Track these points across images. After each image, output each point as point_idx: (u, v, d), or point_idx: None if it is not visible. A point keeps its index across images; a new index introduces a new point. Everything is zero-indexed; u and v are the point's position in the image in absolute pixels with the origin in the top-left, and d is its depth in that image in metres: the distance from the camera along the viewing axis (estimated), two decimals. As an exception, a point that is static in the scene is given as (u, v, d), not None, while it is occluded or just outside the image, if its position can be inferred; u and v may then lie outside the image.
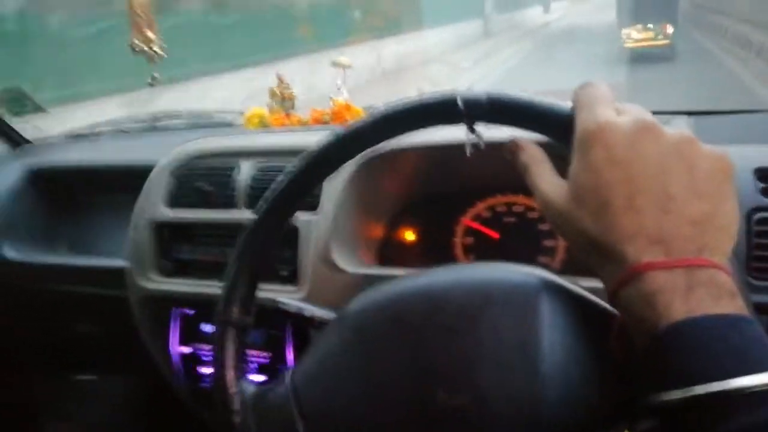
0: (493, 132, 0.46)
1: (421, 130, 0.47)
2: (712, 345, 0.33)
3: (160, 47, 1.26)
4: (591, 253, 0.39)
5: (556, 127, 0.42)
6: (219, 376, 0.51)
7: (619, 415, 0.41)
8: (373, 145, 0.49)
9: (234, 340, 0.51)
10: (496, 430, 0.41)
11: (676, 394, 0.33)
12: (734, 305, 0.35)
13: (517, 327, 0.42)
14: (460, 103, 0.44)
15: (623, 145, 0.37)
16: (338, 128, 0.49)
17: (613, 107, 0.40)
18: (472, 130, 0.45)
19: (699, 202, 0.36)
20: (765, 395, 0.31)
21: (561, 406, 0.40)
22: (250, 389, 0.51)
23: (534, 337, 0.41)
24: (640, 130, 0.38)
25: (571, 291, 0.45)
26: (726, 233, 0.37)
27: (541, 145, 0.45)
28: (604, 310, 0.43)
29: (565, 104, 0.43)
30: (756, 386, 0.32)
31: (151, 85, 1.29)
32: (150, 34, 1.21)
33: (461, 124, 0.45)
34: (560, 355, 0.41)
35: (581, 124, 0.40)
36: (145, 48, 1.22)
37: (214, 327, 0.52)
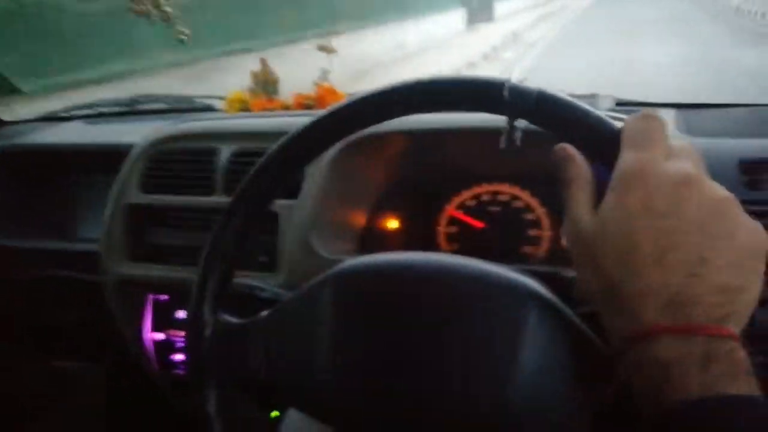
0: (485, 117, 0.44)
1: (454, 112, 0.46)
2: (727, 429, 0.32)
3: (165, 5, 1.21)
4: (604, 297, 0.37)
5: (603, 149, 0.40)
6: (196, 303, 0.50)
7: None
8: (404, 115, 0.46)
9: (218, 272, 0.50)
10: (449, 423, 0.41)
11: None
12: (749, 386, 0.33)
13: (498, 331, 0.41)
14: (506, 93, 0.42)
15: (664, 196, 0.35)
16: (375, 91, 0.46)
17: (664, 147, 0.38)
18: (512, 125, 0.43)
19: (731, 273, 0.34)
20: None
21: (521, 418, 0.40)
22: (225, 322, 0.51)
23: (512, 344, 0.40)
24: (685, 184, 0.35)
25: (564, 314, 0.43)
26: (748, 308, 0.35)
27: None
28: (594, 344, 0.42)
29: (615, 124, 0.40)
30: None
31: (181, 41, 1.23)
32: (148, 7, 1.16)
33: (501, 114, 0.43)
34: (533, 368, 0.40)
35: (625, 161, 0.37)
36: (151, 8, 1.17)
37: (203, 253, 0.51)
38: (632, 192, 0.36)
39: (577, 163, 0.42)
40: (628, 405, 0.37)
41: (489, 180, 0.86)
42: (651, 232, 0.35)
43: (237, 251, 0.51)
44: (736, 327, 0.34)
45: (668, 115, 0.90)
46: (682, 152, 0.38)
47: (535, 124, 0.42)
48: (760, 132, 0.82)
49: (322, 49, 1.26)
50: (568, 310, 0.43)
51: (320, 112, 0.47)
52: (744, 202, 0.67)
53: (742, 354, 0.34)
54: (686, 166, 0.37)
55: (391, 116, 0.47)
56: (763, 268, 0.36)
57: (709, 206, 0.35)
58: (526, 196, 0.84)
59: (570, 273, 0.68)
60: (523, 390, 0.40)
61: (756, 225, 0.36)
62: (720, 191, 0.36)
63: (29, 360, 1.28)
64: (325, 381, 0.45)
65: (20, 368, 1.28)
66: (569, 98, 0.42)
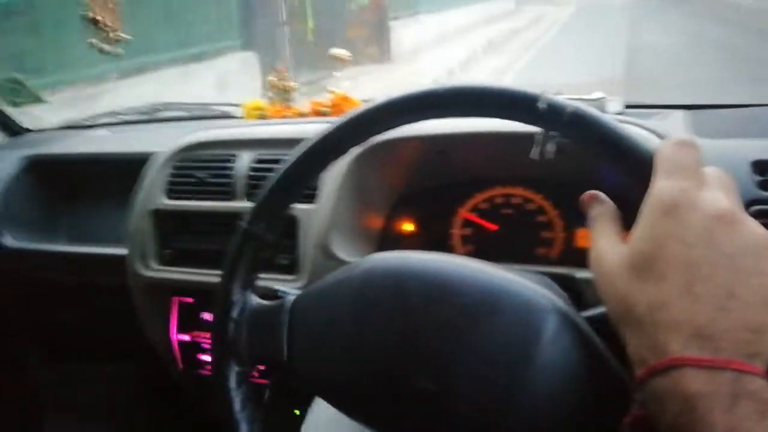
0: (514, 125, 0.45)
1: (488, 119, 0.46)
2: None
3: (113, 21, 1.22)
4: (629, 325, 0.36)
5: (633, 168, 0.40)
6: (226, 279, 0.52)
7: None
8: (439, 117, 0.47)
9: (250, 251, 0.52)
10: (457, 427, 0.42)
11: None
12: None
13: (514, 342, 0.42)
14: (542, 105, 0.43)
15: (698, 227, 0.35)
16: (407, 93, 0.47)
17: (698, 176, 0.37)
18: (545, 137, 0.44)
19: (762, 311, 0.33)
20: None
21: (527, 429, 0.40)
22: (252, 302, 0.52)
23: (526, 357, 0.41)
24: (720, 217, 0.35)
25: (583, 330, 0.43)
26: None
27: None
28: (610, 363, 0.42)
29: (649, 146, 0.41)
30: None
31: (99, 50, 1.23)
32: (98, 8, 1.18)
33: (535, 125, 0.44)
34: (545, 383, 0.40)
35: (660, 189, 0.37)
36: (98, 17, 1.18)
37: (236, 234, 0.52)
38: (664, 222, 0.35)
39: (603, 201, 0.43)
40: None
41: (502, 183, 0.88)
42: (681, 262, 0.34)
43: (269, 234, 0.52)
44: (763, 365, 0.33)
45: (678, 117, 0.91)
46: (716, 182, 0.37)
47: (567, 138, 0.43)
48: None
49: (335, 57, 1.28)
50: (587, 327, 0.44)
51: (369, 104, 0.48)
52: (757, 202, 0.70)
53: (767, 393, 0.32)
54: (721, 198, 0.36)
55: (425, 118, 0.48)
56: None
57: (741, 241, 0.34)
58: (538, 199, 0.86)
59: (582, 274, 0.70)
60: (533, 402, 0.40)
61: None
62: (755, 228, 0.35)
63: (52, 362, 1.31)
64: (342, 370, 0.46)
65: (43, 370, 1.32)
66: (604, 116, 0.42)
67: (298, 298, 0.51)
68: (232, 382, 0.51)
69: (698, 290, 0.34)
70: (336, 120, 0.50)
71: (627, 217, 0.40)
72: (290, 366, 0.50)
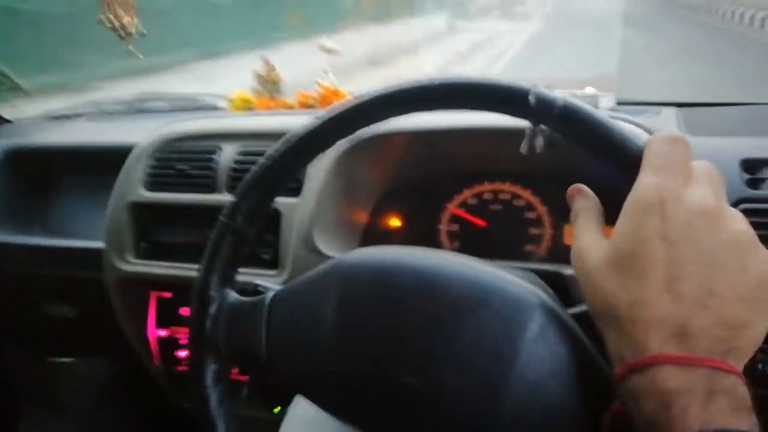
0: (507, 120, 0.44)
1: (474, 112, 0.46)
2: None
3: (135, 26, 1.22)
4: (609, 322, 0.36)
5: (621, 162, 0.40)
6: (204, 275, 0.51)
7: None
8: (430, 110, 0.47)
9: (229, 246, 0.51)
10: (443, 422, 0.41)
11: None
12: (750, 421, 0.32)
13: (500, 336, 0.41)
14: (532, 99, 0.42)
15: (680, 224, 0.35)
16: (400, 85, 0.46)
17: (685, 172, 0.37)
18: (534, 130, 0.43)
19: (740, 307, 0.34)
20: None
21: (513, 425, 0.40)
22: (230, 298, 0.51)
23: (511, 351, 0.40)
24: (702, 213, 0.35)
25: (568, 325, 0.43)
26: (753, 345, 0.35)
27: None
28: (596, 360, 0.42)
29: (638, 141, 0.41)
30: None
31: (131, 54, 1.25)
32: (120, 11, 1.17)
33: (525, 119, 0.43)
34: (531, 378, 0.40)
35: (643, 185, 0.37)
36: (116, 24, 1.18)
37: (215, 229, 0.51)
38: (647, 218, 0.35)
39: (586, 195, 0.43)
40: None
41: (490, 179, 0.86)
42: (662, 259, 0.34)
43: (249, 228, 0.51)
44: (739, 362, 0.34)
45: (670, 114, 0.90)
46: (704, 177, 0.37)
47: (557, 132, 0.42)
48: (761, 130, 0.82)
49: (324, 49, 1.26)
50: (573, 323, 0.43)
51: (365, 93, 0.47)
52: (745, 200, 0.69)
53: (744, 389, 0.33)
54: (706, 194, 0.36)
55: (416, 111, 0.47)
56: None
57: (724, 238, 0.35)
58: (527, 195, 0.84)
59: (570, 271, 0.69)
60: (517, 397, 0.40)
61: None
62: (738, 224, 0.35)
63: (29, 356, 1.29)
64: (322, 367, 0.45)
65: (20, 364, 1.29)
66: (594, 110, 0.42)
67: (278, 294, 0.50)
68: (209, 379, 0.50)
69: (679, 288, 0.34)
70: (321, 113, 0.48)
71: (613, 213, 0.39)
72: (269, 363, 0.49)
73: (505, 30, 10.86)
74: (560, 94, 0.43)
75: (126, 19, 1.19)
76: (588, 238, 0.40)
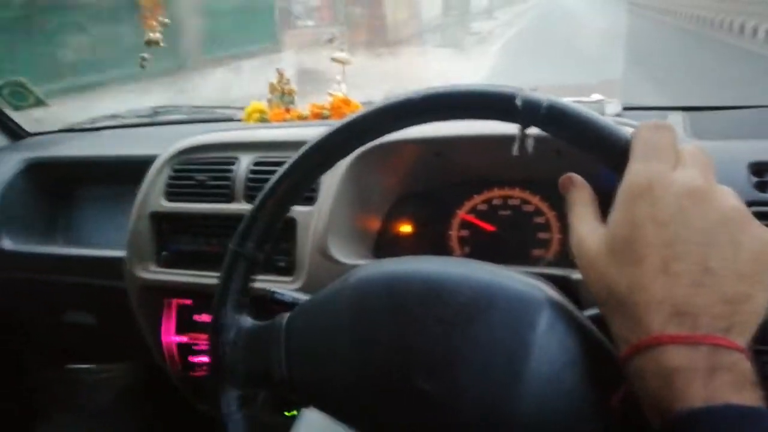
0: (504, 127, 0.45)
1: (465, 120, 0.46)
2: None
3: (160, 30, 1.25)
4: (611, 307, 0.37)
5: (613, 158, 0.40)
6: (218, 305, 0.52)
7: None
8: (419, 123, 0.48)
9: (241, 273, 0.52)
10: (463, 426, 0.42)
11: None
12: (754, 397, 0.33)
13: (510, 335, 0.42)
14: (519, 102, 0.43)
15: (671, 206, 0.35)
16: (388, 101, 0.47)
17: (672, 156, 0.38)
18: (524, 133, 0.44)
19: (737, 282, 0.34)
20: None
21: (533, 422, 0.40)
22: (246, 324, 0.52)
23: (524, 348, 0.41)
24: (692, 194, 0.36)
25: (576, 317, 0.44)
26: (755, 318, 0.35)
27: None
28: (606, 349, 0.43)
29: (625, 133, 0.41)
30: None
31: (142, 67, 1.27)
32: (154, 23, 1.20)
33: (514, 122, 0.44)
34: (545, 373, 0.41)
35: (632, 172, 0.38)
36: (152, 36, 1.21)
37: (227, 257, 0.52)
38: (638, 204, 0.36)
39: (580, 185, 0.43)
40: (634, 414, 0.37)
41: (500, 185, 0.88)
42: (657, 243, 0.35)
43: (259, 253, 0.52)
44: (741, 337, 0.34)
45: (677, 118, 0.91)
46: (692, 160, 0.38)
47: (546, 132, 0.43)
48: None
49: (336, 60, 1.28)
50: (580, 314, 0.44)
51: (338, 123, 0.49)
52: (754, 204, 0.70)
53: (747, 365, 0.33)
54: (694, 175, 0.36)
55: (406, 125, 0.48)
56: None
57: (715, 216, 0.35)
58: (535, 201, 0.86)
59: (578, 275, 0.70)
60: (534, 394, 0.40)
61: (766, 233, 0.36)
62: (728, 201, 0.36)
63: (49, 363, 1.31)
64: (342, 382, 0.46)
65: (40, 371, 1.32)
66: (580, 107, 0.43)
67: (292, 315, 0.51)
68: (232, 406, 0.51)
69: (675, 269, 0.34)
70: (307, 144, 0.50)
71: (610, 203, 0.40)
72: (290, 384, 0.49)
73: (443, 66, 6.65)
74: (545, 95, 0.43)
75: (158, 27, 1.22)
76: (586, 227, 0.40)
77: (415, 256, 0.51)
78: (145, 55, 1.26)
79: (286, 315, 0.51)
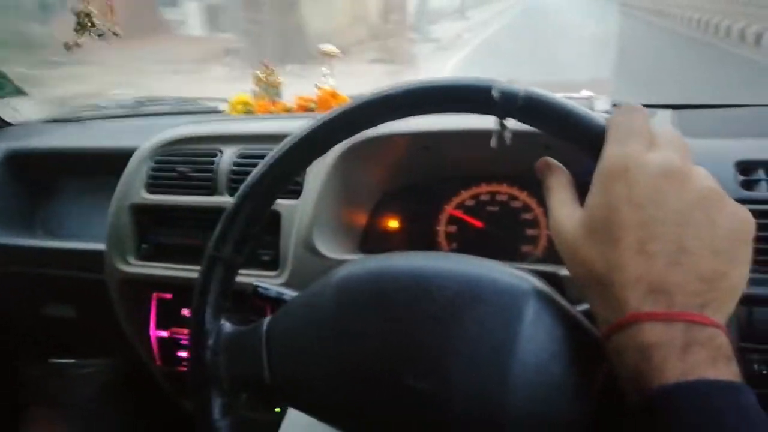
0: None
1: (443, 114, 0.46)
2: (705, 415, 0.32)
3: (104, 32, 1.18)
4: (591, 287, 0.38)
5: (590, 144, 0.41)
6: (197, 311, 0.51)
7: None
8: (397, 118, 0.47)
9: (219, 278, 0.51)
10: (454, 420, 0.41)
11: None
12: (730, 371, 0.33)
13: (497, 326, 0.42)
14: (495, 93, 0.43)
15: (646, 187, 0.36)
16: (366, 97, 0.47)
17: (647, 138, 0.38)
18: (502, 124, 0.44)
19: (713, 260, 0.35)
20: None
21: (524, 412, 0.40)
22: (227, 328, 0.51)
23: (511, 339, 0.41)
24: (667, 175, 0.36)
25: (562, 307, 0.44)
26: (732, 295, 0.36)
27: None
28: (592, 335, 0.43)
29: (601, 119, 0.41)
30: None
31: (67, 48, 1.19)
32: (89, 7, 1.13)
33: (491, 115, 0.44)
34: (533, 363, 0.41)
35: (608, 156, 0.38)
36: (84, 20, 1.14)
37: (203, 261, 0.51)
38: (615, 185, 0.37)
39: (556, 169, 0.44)
40: (613, 391, 0.38)
41: (487, 180, 0.87)
42: (633, 224, 0.36)
43: (238, 256, 0.51)
44: (717, 313, 0.35)
45: (665, 116, 0.91)
46: (666, 142, 0.38)
47: (524, 122, 0.43)
48: (756, 132, 0.83)
49: (325, 54, 1.27)
50: (566, 304, 0.44)
51: (312, 121, 0.48)
52: (740, 202, 0.69)
53: (722, 340, 0.34)
54: (669, 156, 0.37)
55: (383, 121, 0.47)
56: (748, 253, 0.36)
57: (690, 196, 0.36)
58: (523, 196, 0.85)
59: (566, 271, 0.70)
60: (523, 384, 0.40)
61: (741, 210, 0.37)
62: (703, 181, 0.37)
63: (30, 357, 1.29)
64: (328, 382, 0.45)
65: (21, 365, 1.30)
66: (556, 96, 0.43)
67: (274, 318, 0.50)
68: (217, 413, 0.50)
69: (651, 249, 0.35)
70: (281, 144, 0.49)
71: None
72: (274, 388, 0.49)
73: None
74: (521, 85, 0.43)
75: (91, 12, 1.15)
76: (564, 210, 0.41)
77: (398, 252, 0.51)
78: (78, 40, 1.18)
79: (267, 318, 0.50)
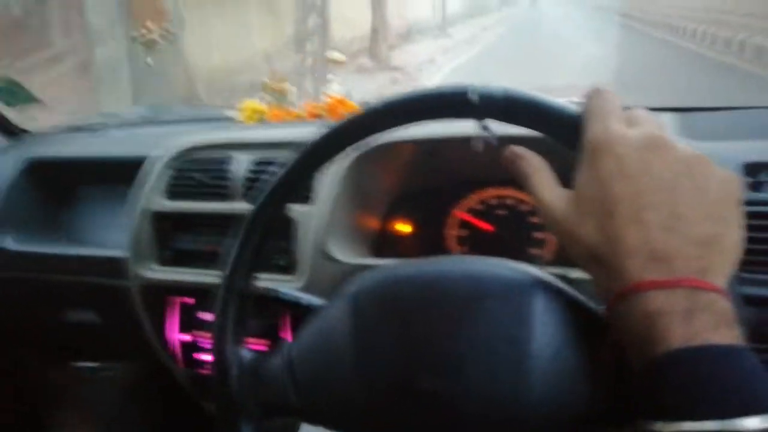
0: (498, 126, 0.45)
1: (429, 122, 0.47)
2: (709, 379, 0.32)
3: (163, 34, 1.23)
4: (591, 263, 0.38)
5: (569, 133, 0.41)
6: (218, 341, 0.52)
7: (606, 420, 0.42)
8: (378, 133, 0.48)
9: (235, 308, 0.52)
10: (476, 419, 0.42)
11: (669, 427, 0.32)
12: (732, 335, 0.34)
13: (509, 322, 0.43)
14: (474, 97, 0.43)
15: (634, 159, 0.37)
16: (346, 117, 0.48)
17: (624, 118, 0.40)
18: (483, 126, 0.44)
19: (706, 224, 0.36)
20: None
21: (544, 404, 0.41)
22: (248, 357, 0.52)
23: (525, 332, 0.42)
24: (652, 145, 0.37)
25: (565, 292, 0.45)
26: (729, 257, 0.36)
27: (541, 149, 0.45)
28: (597, 315, 0.44)
29: (576, 108, 0.42)
30: (751, 429, 0.31)
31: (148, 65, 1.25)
32: (150, 24, 1.19)
33: (472, 118, 0.44)
34: (549, 353, 0.41)
35: (591, 134, 0.39)
36: (147, 36, 1.20)
37: (217, 294, 0.52)
38: (602, 161, 0.38)
39: (525, 155, 0.44)
40: (620, 361, 0.39)
41: (495, 184, 0.89)
42: (625, 195, 0.36)
43: (250, 286, 0.52)
44: (717, 278, 0.35)
45: (669, 119, 0.92)
46: (642, 119, 0.40)
47: (505, 122, 0.44)
48: (762, 134, 0.83)
49: (332, 60, 1.29)
50: (572, 291, 0.45)
51: (298, 149, 0.49)
52: (749, 204, 0.70)
53: (724, 304, 0.35)
54: (650, 130, 0.38)
55: (366, 137, 0.48)
56: (739, 215, 0.37)
57: (678, 165, 0.37)
58: (531, 200, 0.87)
59: (576, 274, 0.71)
60: (540, 377, 0.41)
61: (728, 174, 0.38)
62: (687, 149, 0.38)
63: (52, 362, 1.32)
64: (353, 398, 0.46)
65: (44, 370, 1.32)
66: (533, 93, 0.43)
67: (293, 342, 0.51)
68: None
69: (645, 217, 0.36)
70: (277, 172, 0.50)
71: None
72: (302, 410, 0.50)
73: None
74: (498, 86, 0.44)
75: (156, 30, 1.20)
76: (550, 193, 0.41)
77: (404, 260, 0.52)
78: (149, 59, 1.24)
79: (287, 343, 0.52)
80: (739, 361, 0.33)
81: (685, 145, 0.38)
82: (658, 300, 0.34)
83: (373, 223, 0.93)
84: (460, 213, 0.90)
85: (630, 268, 0.36)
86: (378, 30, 8.49)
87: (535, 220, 0.87)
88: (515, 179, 0.44)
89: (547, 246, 0.86)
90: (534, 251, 0.86)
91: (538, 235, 0.86)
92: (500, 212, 0.89)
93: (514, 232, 0.87)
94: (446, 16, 11.51)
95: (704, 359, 0.33)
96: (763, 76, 6.84)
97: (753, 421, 0.31)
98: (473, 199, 0.90)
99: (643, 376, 0.35)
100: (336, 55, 1.21)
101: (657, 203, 0.36)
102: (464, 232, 0.90)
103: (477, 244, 0.89)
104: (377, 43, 8.51)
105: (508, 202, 0.89)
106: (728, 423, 0.31)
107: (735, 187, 0.38)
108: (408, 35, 9.84)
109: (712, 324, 0.34)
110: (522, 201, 0.88)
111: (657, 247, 0.35)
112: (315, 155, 0.49)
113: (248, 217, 0.51)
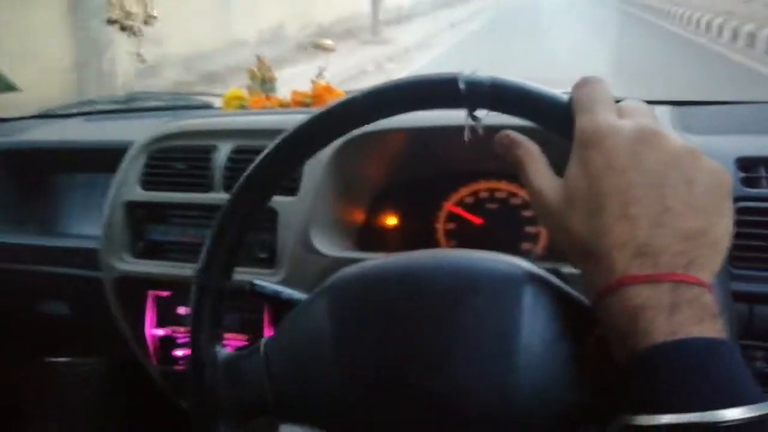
0: (488, 116, 0.44)
1: (418, 111, 0.45)
2: (689, 372, 0.33)
3: (145, 20, 1.19)
4: (578, 255, 0.38)
5: (559, 121, 0.41)
6: (193, 340, 0.50)
7: (594, 414, 0.41)
8: (363, 124, 0.46)
9: (210, 306, 0.50)
10: (467, 417, 0.41)
11: (650, 420, 0.33)
12: (715, 328, 0.34)
13: (498, 316, 0.41)
14: (461, 85, 0.42)
15: (623, 152, 0.37)
16: (326, 106, 0.46)
17: (614, 108, 0.39)
18: (472, 116, 0.43)
19: (694, 217, 0.36)
20: (742, 429, 0.31)
21: (535, 398, 0.40)
22: (224, 354, 0.50)
23: (513, 327, 0.41)
24: (642, 138, 0.37)
25: (555, 285, 0.44)
26: (717, 250, 0.37)
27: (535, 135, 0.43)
28: (587, 308, 0.42)
29: (566, 96, 0.41)
30: (731, 421, 0.31)
31: (141, 62, 1.21)
32: (129, 8, 1.14)
33: (460, 108, 0.43)
34: (538, 347, 0.41)
35: (581, 125, 0.39)
36: (125, 21, 1.15)
37: (192, 290, 0.50)
38: (592, 153, 0.37)
39: (523, 142, 0.43)
40: (604, 355, 0.38)
41: (487, 177, 0.87)
42: (614, 189, 0.36)
43: (225, 282, 0.50)
44: (702, 271, 0.35)
45: (664, 112, 0.90)
46: (633, 109, 0.39)
47: (493, 110, 0.43)
48: (757, 129, 0.83)
49: (319, 47, 1.26)
50: (561, 284, 0.44)
51: (279, 138, 0.47)
52: (741, 199, 0.69)
53: (708, 298, 0.35)
54: (641, 121, 0.38)
55: (352, 128, 0.46)
56: (728, 207, 0.37)
57: (667, 157, 0.36)
58: (523, 193, 0.85)
59: (567, 269, 0.69)
60: (529, 371, 0.40)
61: (718, 167, 0.37)
62: (677, 141, 0.37)
63: (25, 355, 1.28)
64: (333, 395, 0.44)
65: (16, 364, 1.29)
66: (521, 81, 0.42)
67: (270, 339, 0.49)
68: None
69: (633, 212, 0.36)
70: (256, 160, 0.47)
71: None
72: (279, 408, 0.48)
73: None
74: (487, 75, 0.43)
75: (137, 10, 1.15)
76: (542, 181, 0.41)
77: (388, 255, 0.50)
78: (140, 51, 1.20)
79: (264, 340, 0.49)
80: (720, 354, 0.33)
81: (676, 137, 0.38)
82: (642, 294, 0.35)
83: (358, 215, 0.90)
84: (449, 206, 0.87)
85: (616, 263, 0.36)
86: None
87: (526, 214, 0.85)
88: (509, 166, 0.43)
89: (539, 240, 0.83)
90: (525, 245, 0.84)
91: (529, 229, 0.84)
92: (491, 206, 0.86)
93: (505, 226, 0.85)
94: (390, 9, 8.23)
95: (686, 352, 0.33)
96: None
97: (733, 413, 0.31)
98: (463, 192, 0.87)
99: (625, 369, 0.35)
100: (325, 42, 1.17)
101: (646, 198, 0.36)
102: (453, 226, 0.87)
103: (466, 238, 0.86)
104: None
105: (499, 195, 0.86)
106: (708, 414, 0.31)
107: (724, 179, 0.38)
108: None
109: (696, 318, 0.34)
110: (514, 194, 0.85)
111: (644, 242, 0.35)
112: (296, 145, 0.47)
113: (224, 208, 0.49)
